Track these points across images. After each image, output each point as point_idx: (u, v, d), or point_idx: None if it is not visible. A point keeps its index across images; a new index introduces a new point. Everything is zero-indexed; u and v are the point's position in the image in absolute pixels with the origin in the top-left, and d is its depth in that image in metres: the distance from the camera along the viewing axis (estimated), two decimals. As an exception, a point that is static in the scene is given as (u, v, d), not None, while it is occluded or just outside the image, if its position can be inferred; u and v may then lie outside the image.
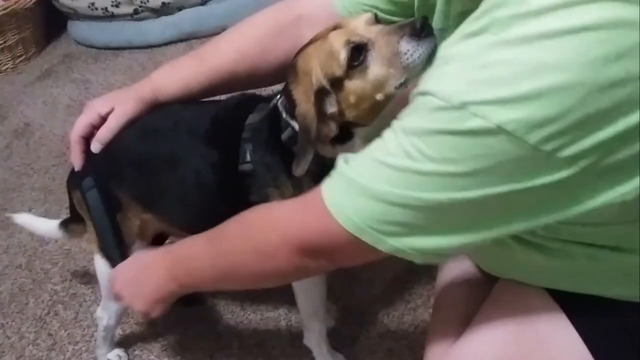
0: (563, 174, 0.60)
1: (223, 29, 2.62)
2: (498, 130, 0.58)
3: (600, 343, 0.84)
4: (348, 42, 0.85)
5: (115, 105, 1.06)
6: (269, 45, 1.05)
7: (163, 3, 2.39)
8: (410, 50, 0.82)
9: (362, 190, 0.69)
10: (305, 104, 0.88)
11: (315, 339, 1.20)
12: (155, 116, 1.07)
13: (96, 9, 2.42)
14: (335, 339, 1.27)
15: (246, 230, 0.85)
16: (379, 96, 0.87)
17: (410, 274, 1.39)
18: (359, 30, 0.87)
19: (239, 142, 0.98)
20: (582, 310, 0.86)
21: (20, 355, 1.37)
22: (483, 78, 0.59)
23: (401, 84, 0.85)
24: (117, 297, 1.02)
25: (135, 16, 2.44)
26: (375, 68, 0.85)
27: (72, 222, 1.23)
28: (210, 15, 2.39)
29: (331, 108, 0.89)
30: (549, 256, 0.82)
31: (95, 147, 1.07)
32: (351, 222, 0.70)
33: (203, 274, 0.91)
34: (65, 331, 1.40)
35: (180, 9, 2.42)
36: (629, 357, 0.83)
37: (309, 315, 1.15)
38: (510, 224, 0.67)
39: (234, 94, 1.10)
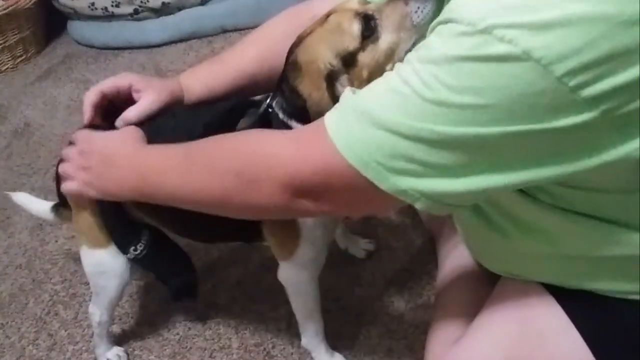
0: (583, 116, 0.59)
1: (223, 29, 2.63)
2: (524, 57, 0.57)
3: (602, 343, 0.84)
4: (357, 14, 0.87)
5: (150, 90, 1.05)
6: (285, 47, 1.06)
7: (163, 3, 2.39)
8: (420, 7, 0.86)
9: (372, 120, 0.66)
10: (316, 93, 0.88)
11: (312, 341, 1.20)
12: (151, 121, 1.06)
13: (96, 8, 2.42)
14: (335, 339, 1.27)
15: (231, 154, 0.82)
16: (389, 67, 0.88)
17: (410, 274, 1.39)
18: (357, 7, 0.89)
19: None
20: (583, 310, 0.86)
21: (20, 355, 1.37)
22: (511, 3, 0.58)
23: (408, 49, 0.87)
24: (67, 163, 0.98)
25: (135, 16, 2.44)
26: (387, 35, 0.88)
27: (62, 207, 1.22)
28: (210, 15, 2.39)
29: (342, 88, 0.89)
30: (550, 242, 0.81)
31: (119, 124, 1.05)
32: (356, 154, 0.67)
33: (171, 189, 0.87)
34: (65, 331, 1.40)
35: (180, 9, 2.42)
36: (630, 357, 0.83)
37: (304, 317, 1.16)
38: (522, 171, 0.65)
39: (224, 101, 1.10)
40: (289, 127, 0.93)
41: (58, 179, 1.16)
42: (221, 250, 1.50)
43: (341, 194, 0.72)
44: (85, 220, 1.12)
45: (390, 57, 0.89)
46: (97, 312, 1.23)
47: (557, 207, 0.78)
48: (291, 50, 0.94)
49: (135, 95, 1.06)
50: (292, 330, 1.31)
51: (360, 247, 1.43)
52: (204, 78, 1.09)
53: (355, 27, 0.87)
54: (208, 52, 2.33)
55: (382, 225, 1.50)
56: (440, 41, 0.63)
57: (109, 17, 2.45)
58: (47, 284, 1.51)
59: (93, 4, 2.41)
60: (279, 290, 1.15)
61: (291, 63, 0.92)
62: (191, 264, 1.20)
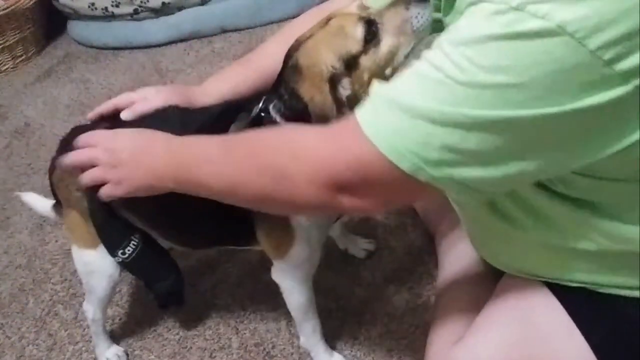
0: (617, 91, 0.59)
1: (223, 29, 2.63)
2: (558, 31, 0.57)
3: (605, 344, 0.84)
4: (360, 18, 0.89)
5: (163, 93, 1.07)
6: None
7: (163, 3, 2.39)
8: (420, 12, 0.89)
9: (404, 110, 0.66)
10: (318, 96, 0.89)
11: (310, 340, 1.20)
12: (141, 123, 1.06)
13: (96, 9, 2.42)
14: (335, 339, 1.27)
15: (268, 150, 0.81)
16: (388, 70, 0.91)
17: (411, 274, 1.39)
18: (359, 12, 0.91)
19: None
20: (586, 311, 0.86)
21: (20, 355, 1.37)
22: None
23: (408, 53, 0.91)
24: (94, 168, 0.94)
25: (135, 16, 2.44)
26: (388, 39, 0.90)
27: (60, 205, 1.22)
28: (210, 15, 2.39)
29: (345, 91, 0.91)
30: (560, 234, 0.81)
31: (126, 114, 1.05)
32: (390, 145, 0.66)
33: (208, 181, 0.85)
34: (65, 331, 1.40)
35: (180, 9, 2.42)
36: (633, 358, 0.83)
37: (300, 317, 1.16)
38: (556, 153, 0.65)
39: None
40: None
41: (51, 177, 1.16)
42: (221, 250, 1.50)
43: (378, 188, 0.71)
44: (75, 220, 1.12)
45: (391, 61, 0.91)
46: (90, 309, 1.24)
47: (570, 198, 0.78)
48: (289, 54, 0.94)
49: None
50: (292, 330, 1.31)
51: (360, 247, 1.43)
52: (230, 80, 1.10)
53: (359, 31, 0.89)
54: (208, 52, 2.33)
55: (382, 225, 1.50)
56: (471, 22, 0.63)
57: (109, 17, 2.45)
58: (47, 284, 1.51)
59: (93, 4, 2.41)
60: (279, 290, 1.15)
61: (291, 67, 0.93)
62: (178, 270, 1.19)
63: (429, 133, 0.64)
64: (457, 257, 1.18)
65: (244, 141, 0.84)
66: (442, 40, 0.65)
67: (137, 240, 1.10)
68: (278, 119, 0.94)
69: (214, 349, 1.31)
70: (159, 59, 2.35)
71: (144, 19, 2.44)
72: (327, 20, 0.92)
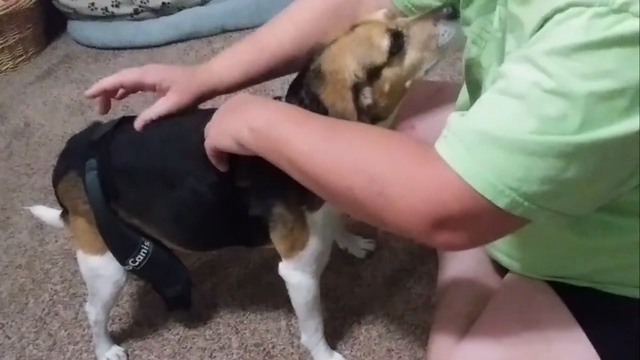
0: None
1: (223, 29, 2.62)
2: None
3: (609, 346, 0.83)
4: (388, 30, 0.89)
5: (172, 89, 1.04)
6: (326, 26, 1.04)
7: (163, 3, 2.39)
8: (448, 31, 0.88)
9: (500, 143, 0.62)
10: (340, 103, 0.89)
11: (312, 339, 1.20)
12: (150, 130, 1.06)
13: (96, 8, 2.42)
14: (335, 339, 1.27)
15: (371, 152, 0.75)
16: (408, 83, 0.91)
17: (411, 274, 1.39)
18: (386, 21, 0.91)
19: (232, 156, 0.95)
20: (591, 311, 0.85)
21: (20, 355, 1.37)
22: None
23: (429, 68, 0.91)
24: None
25: (135, 16, 2.44)
26: (412, 53, 0.90)
27: (67, 214, 1.21)
28: (210, 15, 2.39)
29: (366, 100, 0.91)
30: (578, 233, 0.81)
31: (139, 124, 1.05)
32: (487, 183, 0.63)
33: (298, 150, 0.80)
34: (65, 331, 1.40)
35: (180, 9, 2.42)
36: (637, 359, 0.83)
37: (304, 315, 1.16)
38: None
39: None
40: None
41: (56, 189, 1.15)
42: (221, 251, 1.50)
43: (473, 224, 0.69)
44: (81, 225, 1.12)
45: (412, 74, 0.91)
46: (92, 311, 1.24)
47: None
48: (312, 58, 0.93)
49: (159, 95, 1.06)
50: (292, 330, 1.31)
51: (360, 247, 1.43)
52: (241, 64, 1.06)
53: (385, 43, 0.88)
54: (208, 52, 2.33)
55: (382, 225, 1.50)
56: (567, 29, 0.59)
57: (109, 17, 2.45)
58: (47, 284, 1.51)
59: (93, 4, 2.41)
60: (279, 290, 1.15)
61: (314, 71, 0.92)
62: (187, 275, 1.20)
63: (528, 167, 0.61)
64: (458, 257, 1.18)
65: (352, 130, 0.80)
66: (531, 55, 0.61)
67: (147, 248, 1.10)
68: None
69: (214, 349, 1.31)
70: (159, 59, 2.35)
71: (144, 19, 2.44)
72: (353, 26, 0.92)
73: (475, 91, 0.96)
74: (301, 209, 1.00)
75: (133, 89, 1.08)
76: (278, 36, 1.07)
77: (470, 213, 0.66)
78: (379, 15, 0.92)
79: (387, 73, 0.90)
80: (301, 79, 0.95)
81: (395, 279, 1.38)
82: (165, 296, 1.22)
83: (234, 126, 0.88)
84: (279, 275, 1.12)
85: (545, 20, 0.62)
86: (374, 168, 0.73)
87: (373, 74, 0.89)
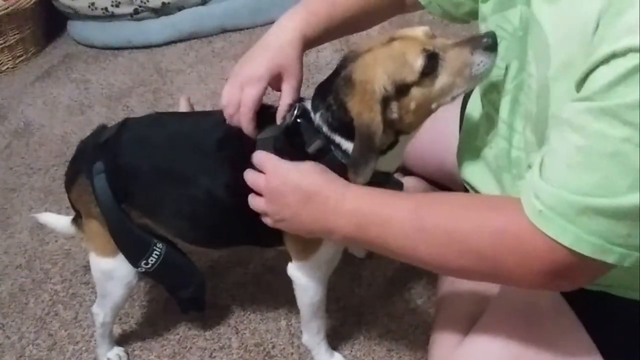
0: None
1: (223, 29, 2.62)
2: None
3: (612, 346, 0.83)
4: (424, 50, 0.88)
5: (285, 73, 0.99)
6: None
7: (163, 3, 2.39)
8: (484, 61, 0.87)
9: (606, 213, 0.64)
10: (367, 114, 0.88)
11: (314, 339, 1.20)
12: (154, 130, 1.07)
13: (96, 8, 2.42)
14: (335, 339, 1.27)
15: (471, 230, 0.77)
16: (434, 105, 0.91)
17: (411, 274, 1.39)
18: (424, 40, 0.90)
19: (249, 158, 0.96)
20: (594, 312, 0.85)
21: (20, 355, 1.37)
22: None
23: (458, 94, 0.90)
24: (259, 198, 0.94)
25: (135, 16, 2.43)
26: (444, 77, 0.89)
27: (80, 218, 1.22)
28: (210, 15, 2.39)
29: (393, 115, 0.90)
30: None
31: (279, 116, 1.00)
32: (597, 248, 0.66)
33: (396, 248, 0.82)
34: (65, 331, 1.40)
35: (180, 9, 2.42)
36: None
37: (308, 315, 1.16)
38: None
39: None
40: (332, 142, 0.93)
41: (69, 194, 1.15)
42: (221, 251, 1.50)
43: (588, 275, 0.73)
44: (95, 228, 1.12)
45: (440, 98, 0.90)
46: (100, 313, 1.24)
47: None
48: (344, 64, 0.93)
49: (275, 87, 1.02)
50: (292, 330, 1.31)
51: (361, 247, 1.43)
52: (321, 19, 1.03)
53: (419, 63, 0.87)
54: (208, 52, 2.33)
55: (382, 225, 1.50)
56: (634, 82, 0.57)
57: (109, 17, 2.45)
58: (47, 284, 1.51)
59: (93, 4, 2.41)
60: (279, 290, 1.15)
61: (344, 77, 0.92)
62: (200, 277, 1.21)
63: (632, 225, 0.63)
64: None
65: (441, 211, 0.80)
66: (613, 108, 0.60)
67: (160, 250, 1.10)
68: (325, 129, 0.94)
69: (214, 349, 1.31)
70: (159, 59, 2.35)
71: (144, 19, 2.44)
72: (391, 39, 0.91)
73: (486, 88, 0.96)
74: None
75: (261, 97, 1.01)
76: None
77: (583, 271, 0.70)
78: (419, 32, 0.91)
79: (416, 92, 0.89)
80: (330, 83, 0.94)
81: (395, 279, 1.38)
82: (179, 298, 1.22)
83: (318, 230, 0.90)
84: (279, 276, 1.12)
85: (600, 63, 0.61)
86: (479, 246, 0.75)
87: (402, 90, 0.89)
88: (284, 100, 1.00)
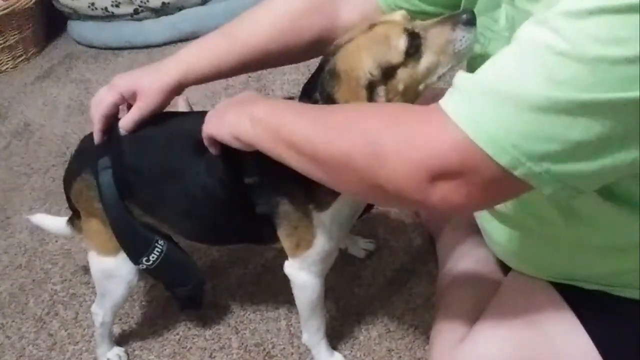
0: None
1: (223, 29, 2.57)
2: None
3: (612, 347, 0.83)
4: (406, 30, 0.89)
5: (139, 94, 1.03)
6: (304, 23, 1.03)
7: (163, 3, 2.39)
8: (465, 36, 0.87)
9: (507, 98, 0.61)
10: (354, 101, 0.89)
11: (314, 338, 1.20)
12: (156, 128, 1.07)
13: (96, 8, 2.42)
14: (335, 339, 1.27)
15: (365, 114, 0.76)
16: (422, 86, 0.91)
17: (411, 274, 1.39)
18: (404, 22, 0.91)
19: (240, 153, 0.95)
20: (594, 312, 0.85)
21: (20, 355, 1.37)
22: None
23: (444, 73, 0.90)
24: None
25: (135, 16, 2.44)
26: (428, 56, 0.89)
27: (77, 218, 1.22)
28: (210, 15, 2.39)
29: (380, 99, 0.90)
30: (590, 224, 0.81)
31: (122, 132, 1.05)
32: (491, 139, 0.62)
33: (292, 130, 0.80)
34: (65, 331, 1.40)
35: (180, 9, 2.42)
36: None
37: (307, 313, 1.16)
38: None
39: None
40: None
41: (69, 191, 1.16)
42: (221, 251, 1.50)
43: (473, 181, 0.66)
44: (95, 226, 1.12)
45: (426, 77, 0.90)
46: (100, 313, 1.23)
47: (621, 197, 0.77)
48: (327, 59, 0.93)
49: (132, 102, 1.06)
50: (292, 330, 1.31)
51: (360, 247, 1.43)
52: (211, 56, 1.04)
53: (402, 43, 0.88)
54: (208, 52, 2.33)
55: (382, 225, 1.50)
56: None
57: (109, 17, 2.45)
58: (47, 284, 1.51)
59: (93, 4, 2.41)
60: (279, 290, 1.15)
61: (328, 71, 0.92)
62: (200, 274, 1.21)
63: (532, 123, 0.60)
64: (459, 258, 1.18)
65: (348, 106, 0.84)
66: (548, 17, 0.61)
67: (161, 246, 1.10)
68: None
69: (214, 349, 1.31)
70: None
71: (144, 19, 2.44)
72: (371, 25, 0.91)
73: None
74: (308, 207, 1.00)
75: (123, 101, 1.06)
76: (252, 28, 1.05)
77: (469, 166, 0.65)
78: (397, 16, 0.92)
79: (402, 74, 0.89)
80: (315, 80, 0.94)
81: (395, 279, 1.38)
82: (177, 296, 1.22)
83: (235, 118, 0.88)
84: (279, 276, 1.12)
85: None
86: (371, 130, 0.73)
87: (388, 73, 0.89)
88: (126, 117, 1.04)
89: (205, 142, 0.96)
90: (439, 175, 0.66)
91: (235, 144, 0.89)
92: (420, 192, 0.68)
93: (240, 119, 0.87)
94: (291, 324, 1.32)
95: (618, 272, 0.84)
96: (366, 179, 0.72)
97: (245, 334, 1.33)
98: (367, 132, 0.73)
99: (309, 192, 0.93)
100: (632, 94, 0.57)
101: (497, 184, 0.65)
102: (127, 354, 1.32)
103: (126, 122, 1.05)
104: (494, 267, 1.09)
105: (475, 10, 0.89)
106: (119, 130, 1.06)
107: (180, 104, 1.39)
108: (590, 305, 0.86)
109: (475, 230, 1.09)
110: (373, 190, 0.73)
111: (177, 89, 1.05)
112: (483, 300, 0.98)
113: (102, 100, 1.06)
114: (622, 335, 0.84)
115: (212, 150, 0.96)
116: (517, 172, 0.63)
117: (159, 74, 1.04)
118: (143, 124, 1.06)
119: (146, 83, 1.04)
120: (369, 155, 0.71)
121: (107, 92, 1.06)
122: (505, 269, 1.03)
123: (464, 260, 1.15)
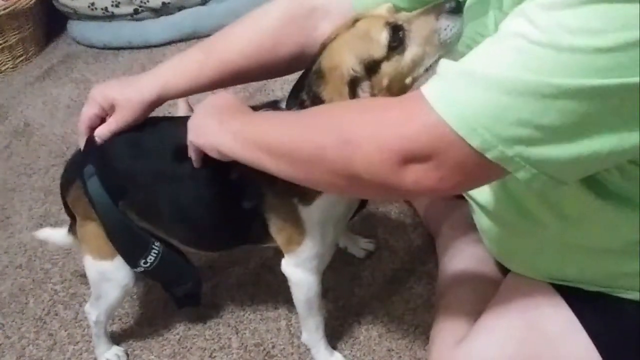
0: None
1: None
2: None
3: (611, 346, 0.83)
4: (387, 23, 0.87)
5: (117, 107, 1.05)
6: (281, 38, 1.03)
7: (163, 3, 2.39)
8: (450, 25, 0.85)
9: (478, 79, 0.62)
10: (338, 99, 0.88)
11: (313, 337, 1.20)
12: (146, 133, 1.07)
13: (96, 8, 2.42)
14: (335, 338, 1.27)
15: (334, 114, 0.78)
16: (409, 80, 0.89)
17: (411, 274, 1.39)
18: (387, 15, 0.89)
19: None
20: (592, 311, 0.85)
21: (20, 355, 1.37)
22: None
23: (431, 65, 0.88)
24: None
25: (135, 16, 2.44)
26: (413, 48, 0.87)
27: (74, 223, 1.22)
28: (210, 15, 2.39)
29: (364, 94, 0.89)
30: (580, 225, 0.81)
31: (98, 140, 1.06)
32: (461, 119, 0.62)
33: (267, 134, 0.82)
34: (65, 331, 1.40)
35: (180, 9, 2.42)
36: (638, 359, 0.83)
37: (305, 312, 1.16)
38: (636, 130, 0.60)
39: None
40: None
41: (65, 198, 1.16)
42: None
43: (446, 164, 0.66)
44: (92, 230, 1.12)
45: (413, 70, 0.88)
46: (93, 313, 1.23)
47: (612, 194, 0.77)
48: (313, 60, 0.93)
49: (110, 114, 1.06)
50: (292, 330, 1.31)
51: (360, 246, 1.43)
52: (188, 73, 1.05)
53: (384, 36, 0.86)
54: (208, 52, 2.33)
55: (382, 225, 1.50)
56: None
57: (109, 17, 2.45)
58: (47, 284, 1.51)
59: (93, 4, 2.41)
60: (279, 290, 1.15)
61: (314, 72, 0.92)
62: (196, 273, 1.20)
63: (504, 105, 0.60)
64: (459, 257, 1.18)
65: (324, 105, 0.85)
66: (525, 7, 0.62)
67: (158, 248, 1.10)
68: None
69: (214, 349, 1.31)
70: (159, 59, 2.35)
71: (144, 19, 2.44)
72: (355, 21, 0.91)
73: None
74: (292, 201, 1.00)
75: (104, 112, 1.07)
76: (228, 44, 1.05)
77: (440, 147, 0.64)
78: (382, 9, 0.91)
79: (386, 68, 0.88)
80: (302, 81, 0.94)
81: (395, 279, 1.38)
82: (175, 295, 1.22)
83: (216, 131, 0.89)
84: (279, 276, 1.12)
85: None
86: (342, 121, 0.74)
87: (372, 68, 0.88)
88: (103, 126, 1.05)
89: (189, 150, 0.97)
90: (410, 158, 0.67)
91: (216, 156, 0.90)
92: (393, 176, 0.68)
93: (221, 132, 0.88)
94: (291, 324, 1.32)
95: (613, 275, 0.84)
96: (342, 169, 0.73)
97: (245, 334, 1.33)
98: (339, 123, 0.74)
99: (290, 185, 0.93)
100: (605, 81, 0.58)
101: (470, 167, 0.65)
102: (127, 354, 1.32)
103: (102, 131, 1.06)
104: (493, 267, 1.09)
105: (465, 17, 0.88)
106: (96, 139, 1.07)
107: (180, 105, 1.39)
108: (590, 305, 0.86)
109: (473, 228, 1.09)
110: (350, 181, 0.73)
111: (157, 103, 1.06)
112: (483, 300, 0.98)
113: (83, 113, 1.07)
114: (621, 335, 0.84)
115: (194, 157, 0.97)
116: (489, 155, 0.63)
117: (138, 89, 1.05)
118: (135, 128, 1.06)
119: (125, 97, 1.05)
120: (342, 144, 0.71)
121: (87, 105, 1.07)
122: (504, 268, 1.03)
123: (464, 259, 1.15)
